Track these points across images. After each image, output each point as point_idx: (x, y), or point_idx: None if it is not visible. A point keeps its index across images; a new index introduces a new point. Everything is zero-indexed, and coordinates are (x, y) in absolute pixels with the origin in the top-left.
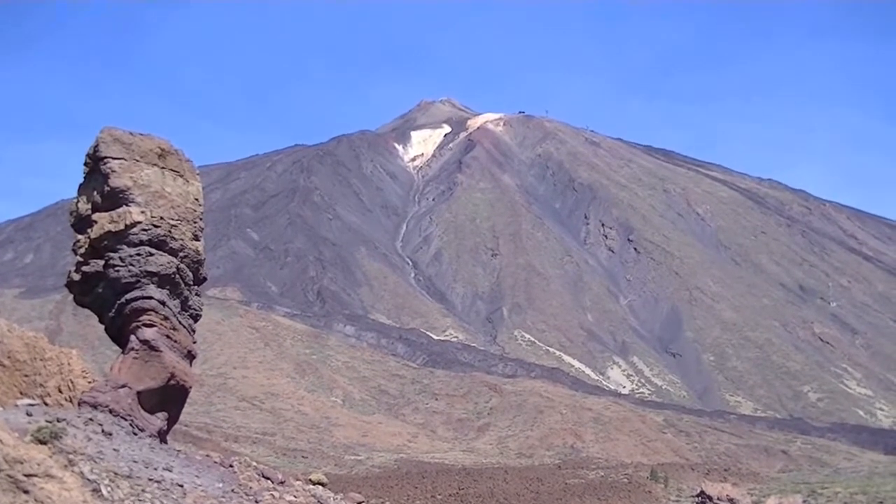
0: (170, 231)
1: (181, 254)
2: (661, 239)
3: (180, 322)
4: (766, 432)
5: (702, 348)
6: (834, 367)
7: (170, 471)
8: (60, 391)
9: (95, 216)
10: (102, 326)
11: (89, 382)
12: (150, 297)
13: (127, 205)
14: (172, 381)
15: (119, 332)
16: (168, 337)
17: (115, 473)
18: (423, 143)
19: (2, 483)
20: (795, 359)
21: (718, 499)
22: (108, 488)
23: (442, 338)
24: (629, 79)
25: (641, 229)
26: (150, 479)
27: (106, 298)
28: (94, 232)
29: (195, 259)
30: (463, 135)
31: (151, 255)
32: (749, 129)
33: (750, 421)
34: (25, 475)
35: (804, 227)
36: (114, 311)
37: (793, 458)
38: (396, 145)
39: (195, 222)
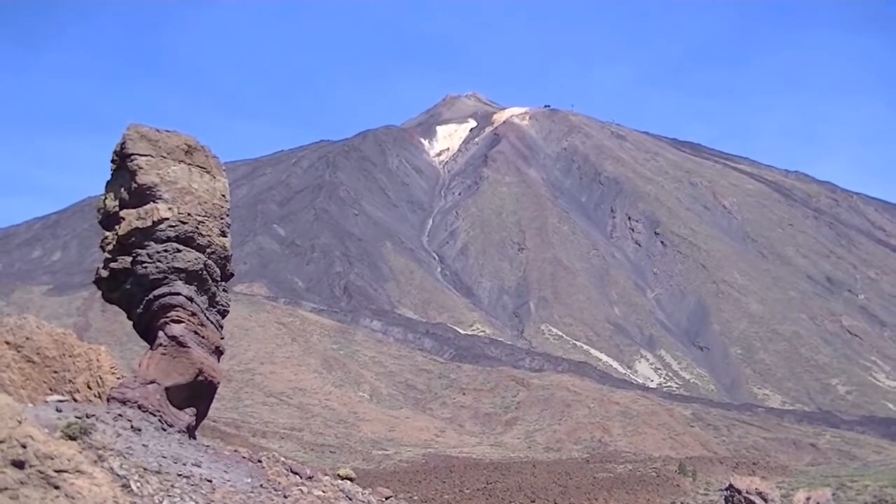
0: (197, 227)
1: (208, 250)
2: (688, 232)
3: (208, 318)
4: (795, 425)
5: (729, 341)
6: (862, 359)
7: (199, 466)
8: (89, 387)
9: (123, 213)
10: (130, 323)
11: (118, 378)
12: (178, 294)
13: (154, 201)
14: (200, 377)
15: (147, 329)
16: (196, 333)
17: (145, 469)
18: (448, 138)
19: (33, 479)
20: (824, 351)
21: (747, 492)
22: (138, 484)
23: (469, 332)
24: (656, 72)
25: (668, 222)
26: (179, 475)
27: (134, 295)
28: (122, 229)
29: (222, 255)
30: (488, 129)
31: (179, 251)
32: (776, 122)
33: (778, 414)
34: (56, 471)
35: (831, 220)
36: (142, 307)
37: (822, 451)
38: (422, 140)
39: (222, 218)
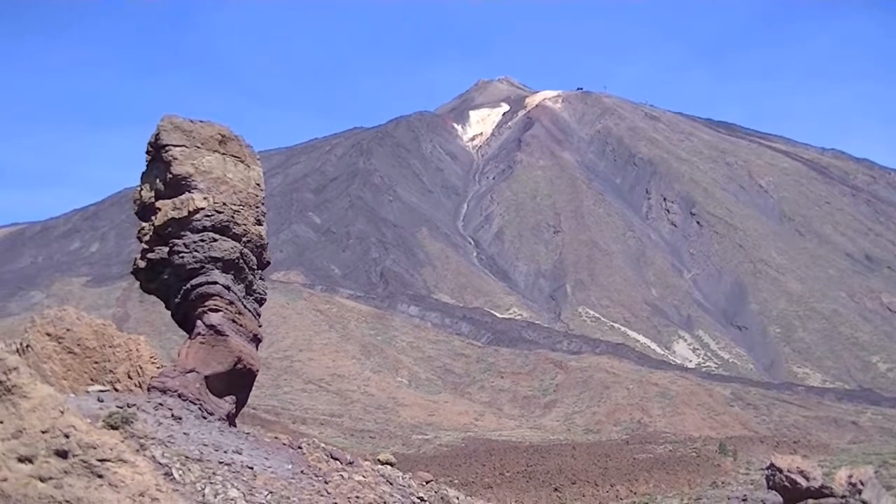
0: (232, 216)
1: (244, 238)
2: (724, 212)
3: (245, 306)
4: (836, 403)
5: (768, 321)
6: None
7: (239, 453)
8: (130, 377)
9: (159, 203)
10: (168, 312)
11: (157, 368)
12: (215, 283)
13: (189, 191)
14: (239, 365)
15: (185, 318)
16: (233, 321)
17: (186, 457)
18: (481, 123)
19: (76, 468)
20: (863, 329)
21: (788, 471)
22: (180, 472)
23: (506, 316)
24: (689, 54)
25: (703, 203)
26: (221, 462)
27: (171, 285)
28: (158, 219)
29: (258, 243)
30: (521, 113)
31: (215, 240)
32: (812, 102)
33: (818, 392)
34: (99, 460)
35: (869, 196)
36: (179, 296)
37: (863, 429)
38: (455, 125)
39: (257, 207)
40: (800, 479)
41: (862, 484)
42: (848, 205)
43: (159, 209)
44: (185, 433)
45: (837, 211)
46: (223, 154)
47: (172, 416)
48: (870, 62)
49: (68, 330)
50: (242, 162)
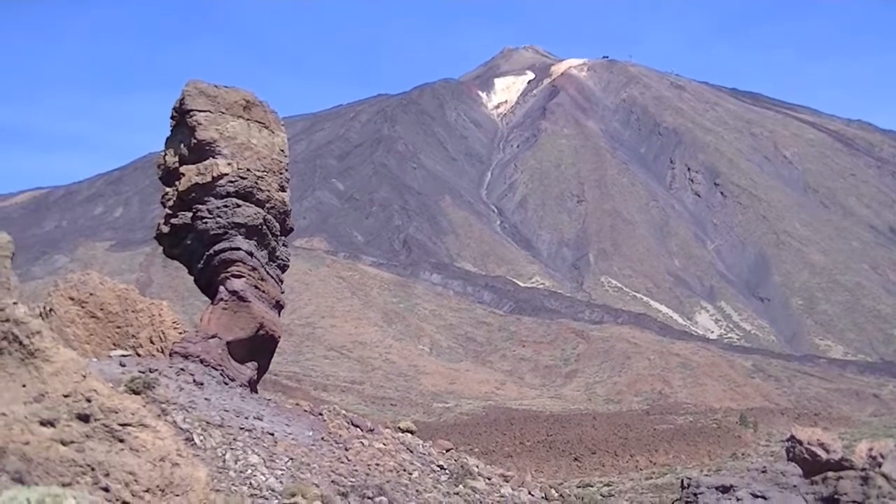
0: (256, 182)
1: (268, 205)
2: (748, 182)
3: (268, 272)
4: (857, 376)
5: (790, 292)
6: None
7: (260, 419)
8: (152, 342)
9: (183, 169)
10: (192, 278)
11: (180, 333)
12: (238, 249)
13: (213, 157)
14: (261, 331)
15: (208, 283)
16: (256, 287)
17: (207, 423)
18: (506, 91)
19: (98, 432)
20: (886, 302)
21: (809, 443)
22: (201, 437)
23: (528, 285)
24: (716, 24)
25: (728, 173)
26: (242, 428)
27: (194, 250)
28: (182, 185)
29: (281, 210)
30: (546, 81)
31: (238, 206)
32: (838, 72)
33: (840, 365)
34: (120, 424)
35: (895, 168)
36: (202, 262)
37: (884, 401)
38: (480, 93)
39: (281, 173)
40: (820, 452)
41: (882, 457)
42: (873, 177)
43: (183, 174)
44: (206, 399)
45: (862, 183)
46: (247, 120)
47: (194, 381)
48: None
49: (91, 294)
50: (267, 128)
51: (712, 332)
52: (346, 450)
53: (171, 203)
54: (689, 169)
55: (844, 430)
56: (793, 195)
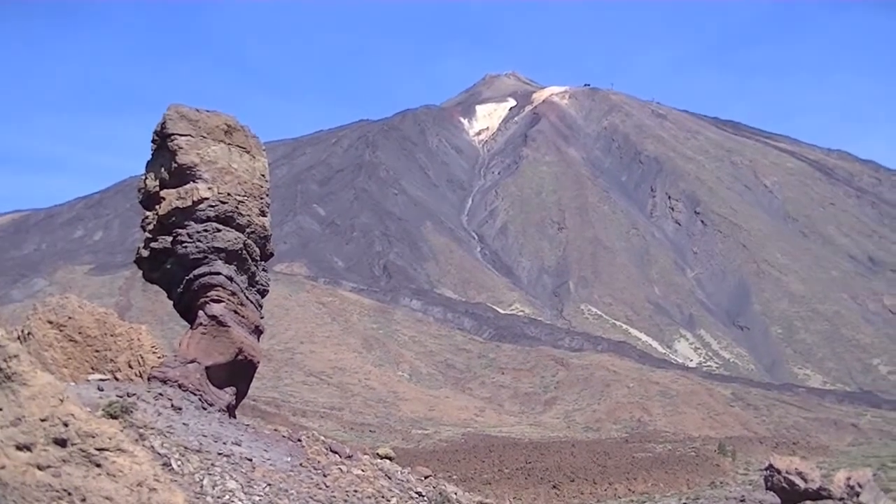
0: (237, 207)
1: (248, 229)
2: (729, 211)
3: (248, 297)
4: (836, 405)
5: (770, 321)
6: None
7: (239, 445)
8: (130, 366)
9: (163, 193)
10: (171, 302)
11: (159, 358)
12: (218, 273)
13: (194, 181)
14: (240, 356)
15: (187, 308)
16: (236, 312)
17: (185, 448)
18: (488, 117)
19: (75, 457)
20: (865, 331)
21: (787, 472)
22: (179, 462)
23: (508, 312)
24: (697, 51)
25: (708, 201)
26: (220, 454)
27: (174, 274)
28: (163, 208)
29: (262, 235)
30: (528, 108)
31: (219, 230)
32: (818, 101)
33: (819, 394)
34: (97, 449)
35: (874, 198)
36: (182, 286)
37: (863, 431)
38: (461, 119)
39: (262, 198)
40: (798, 481)
41: (860, 486)
42: (852, 206)
43: (164, 198)
44: (184, 424)
45: (842, 212)
46: (229, 144)
47: (172, 406)
48: (877, 62)
49: (70, 318)
50: (248, 152)
51: (692, 360)
52: (325, 476)
53: (151, 227)
54: (669, 197)
55: (823, 460)
56: (773, 224)
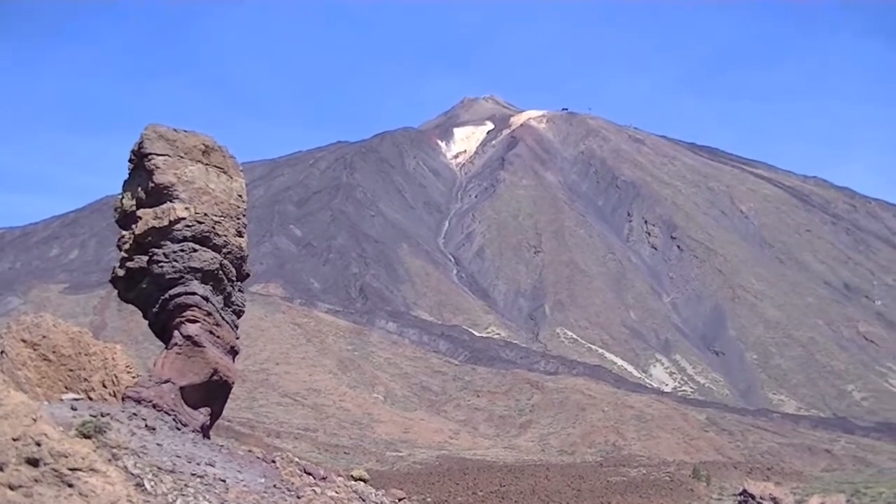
0: (213, 227)
1: (224, 250)
2: (705, 237)
3: (223, 318)
4: (810, 431)
5: (745, 346)
6: (879, 366)
7: (212, 466)
8: (105, 386)
9: (140, 212)
10: (146, 322)
11: (133, 377)
12: (194, 293)
13: (171, 201)
14: (215, 377)
15: (163, 328)
16: (211, 333)
17: (159, 468)
18: (466, 140)
19: (47, 477)
20: (840, 358)
21: (761, 498)
22: (152, 483)
23: (484, 335)
24: (675, 77)
25: (685, 227)
26: (193, 474)
27: (150, 294)
28: (139, 228)
29: (238, 255)
30: (506, 132)
31: (195, 251)
32: (795, 128)
33: (793, 420)
34: (70, 469)
35: (849, 225)
36: (157, 306)
37: (837, 457)
38: (439, 142)
39: (238, 219)
40: None
41: None
42: (828, 233)
43: (140, 218)
44: (158, 444)
45: (817, 239)
46: (206, 164)
47: (146, 426)
48: (854, 89)
49: (44, 337)
50: (225, 173)
51: (667, 384)
52: (299, 497)
53: (127, 246)
54: (646, 222)
55: (796, 485)
56: (749, 250)
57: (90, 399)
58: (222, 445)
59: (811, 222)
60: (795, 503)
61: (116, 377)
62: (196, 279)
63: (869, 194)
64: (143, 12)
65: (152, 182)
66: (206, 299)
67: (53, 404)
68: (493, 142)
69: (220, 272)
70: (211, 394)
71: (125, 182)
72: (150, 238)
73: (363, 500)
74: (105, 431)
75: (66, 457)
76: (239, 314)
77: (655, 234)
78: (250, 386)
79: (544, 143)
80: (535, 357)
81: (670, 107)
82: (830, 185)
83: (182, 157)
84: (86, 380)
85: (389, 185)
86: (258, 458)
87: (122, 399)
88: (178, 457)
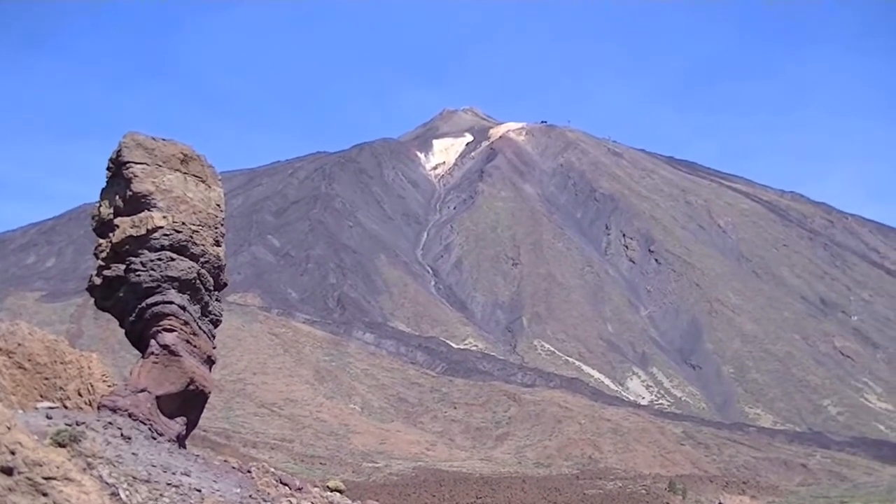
0: (191, 236)
1: (202, 259)
2: (683, 250)
3: (200, 327)
4: (786, 445)
5: (722, 360)
6: (854, 380)
7: (188, 475)
8: (80, 395)
9: (117, 221)
10: (123, 331)
11: (109, 386)
12: (171, 302)
13: (149, 209)
14: (192, 386)
15: (139, 337)
16: (188, 342)
17: (134, 478)
18: (444, 152)
19: (21, 485)
20: (816, 372)
21: None
22: (127, 492)
23: (461, 346)
24: (654, 90)
25: (663, 240)
26: (169, 484)
27: (127, 303)
28: (116, 236)
29: (216, 264)
30: (485, 144)
31: (172, 260)
32: (774, 141)
33: (769, 434)
34: (44, 478)
35: (826, 241)
36: (134, 315)
37: (812, 471)
38: (418, 153)
39: (216, 228)
40: None
41: None
42: (805, 248)
43: (118, 226)
44: (133, 453)
45: (794, 254)
46: (185, 173)
47: (122, 435)
48: (832, 104)
49: (20, 345)
50: (203, 182)
51: (643, 398)
52: None
53: (104, 255)
54: (624, 235)
55: (772, 499)
56: (726, 264)
57: (65, 408)
58: (198, 455)
59: (788, 237)
60: None
61: (92, 386)
62: (173, 288)
63: (846, 209)
64: (122, 18)
65: (130, 190)
66: (184, 308)
67: (28, 413)
68: (472, 154)
69: (198, 281)
70: (187, 403)
71: (103, 190)
72: (127, 246)
73: None
74: (80, 440)
75: (41, 466)
76: (216, 324)
77: (633, 248)
78: (227, 396)
79: (523, 156)
80: (512, 369)
81: (649, 119)
82: (808, 200)
83: (160, 166)
84: (61, 388)
85: (368, 196)
86: (234, 468)
87: (98, 408)
88: (153, 466)
